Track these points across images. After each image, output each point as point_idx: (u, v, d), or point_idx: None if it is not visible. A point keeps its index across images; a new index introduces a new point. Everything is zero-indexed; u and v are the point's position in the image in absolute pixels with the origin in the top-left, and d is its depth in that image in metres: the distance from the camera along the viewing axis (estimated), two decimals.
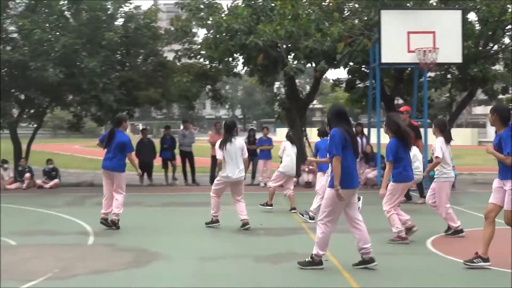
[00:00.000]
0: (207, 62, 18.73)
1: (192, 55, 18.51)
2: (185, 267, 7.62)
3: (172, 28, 18.60)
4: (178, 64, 18.86)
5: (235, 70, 19.35)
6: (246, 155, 10.20)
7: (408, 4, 17.58)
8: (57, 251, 8.55)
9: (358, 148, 7.67)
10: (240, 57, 18.44)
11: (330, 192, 7.13)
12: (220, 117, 78.30)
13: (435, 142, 9.37)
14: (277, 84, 22.19)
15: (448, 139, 9.45)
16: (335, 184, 6.96)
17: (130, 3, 18.14)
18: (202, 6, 18.09)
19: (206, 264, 7.75)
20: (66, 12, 17.86)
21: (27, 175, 17.51)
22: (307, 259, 7.40)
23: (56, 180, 17.52)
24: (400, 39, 15.65)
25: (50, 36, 16.91)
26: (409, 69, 17.85)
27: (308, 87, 39.01)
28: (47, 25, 17.44)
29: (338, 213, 7.26)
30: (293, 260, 7.62)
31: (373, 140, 17.20)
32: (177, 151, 18.47)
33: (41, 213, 12.49)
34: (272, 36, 16.06)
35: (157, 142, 18.97)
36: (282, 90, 21.40)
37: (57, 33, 16.83)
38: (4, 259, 8.00)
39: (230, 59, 18.20)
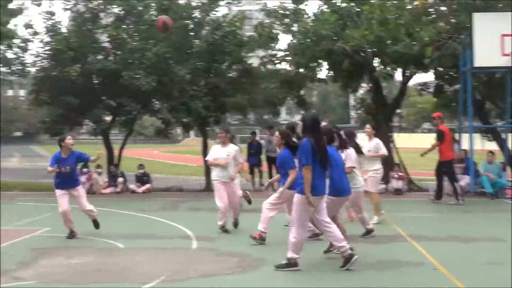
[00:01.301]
0: (292, 68, 18.85)
1: (277, 61, 18.68)
2: (293, 272, 7.69)
3: (256, 35, 18.83)
4: (263, 70, 19.06)
5: (318, 76, 19.41)
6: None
7: (500, 5, 17.10)
8: (166, 254, 8.82)
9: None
10: (325, 63, 18.48)
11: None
12: (295, 122, 78.02)
13: None
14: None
15: None
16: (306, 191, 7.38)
17: (217, 11, 18.52)
18: (287, 13, 18.24)
19: (313, 270, 7.80)
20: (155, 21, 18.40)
21: (120, 179, 18.11)
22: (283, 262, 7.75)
23: (148, 185, 18.05)
24: (493, 42, 15.24)
25: (142, 45, 17.43)
26: (500, 73, 17.36)
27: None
28: (138, 34, 18.05)
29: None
30: (398, 268, 7.62)
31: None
32: (263, 156, 18.74)
33: (140, 217, 12.90)
34: (360, 41, 16.00)
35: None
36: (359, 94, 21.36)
37: (149, 42, 17.32)
38: (116, 261, 8.36)
39: (315, 64, 18.29)
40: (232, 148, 10.67)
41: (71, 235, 10.21)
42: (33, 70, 19.06)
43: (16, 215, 13.21)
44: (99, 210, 13.97)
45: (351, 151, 9.40)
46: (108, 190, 17.87)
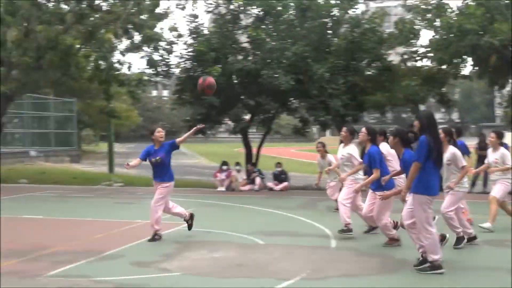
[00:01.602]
0: (434, 65, 18.18)
1: (419, 58, 18.11)
2: (430, 277, 7.37)
3: (396, 31, 18.38)
4: (403, 67, 18.56)
5: (462, 72, 18.56)
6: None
7: None
8: (305, 252, 8.79)
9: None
10: (469, 59, 17.65)
11: None
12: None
13: None
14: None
15: None
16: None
17: (357, 8, 18.31)
18: (429, 7, 17.61)
19: (459, 275, 7.43)
20: (294, 21, 18.54)
21: (258, 177, 18.42)
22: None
23: (285, 183, 18.21)
24: None
25: (280, 44, 17.61)
26: None
27: None
28: (277, 34, 18.27)
29: None
30: None
31: None
32: None
33: (278, 215, 13.02)
34: (510, 35, 15.09)
35: None
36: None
37: (288, 42, 17.46)
38: (255, 257, 8.46)
39: (459, 60, 17.52)
40: (349, 149, 10.10)
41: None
42: (177, 71, 19.96)
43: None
44: (238, 207, 14.51)
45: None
46: (246, 188, 18.24)
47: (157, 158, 9.60)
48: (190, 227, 10.12)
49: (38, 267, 7.86)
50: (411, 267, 7.63)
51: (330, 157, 13.24)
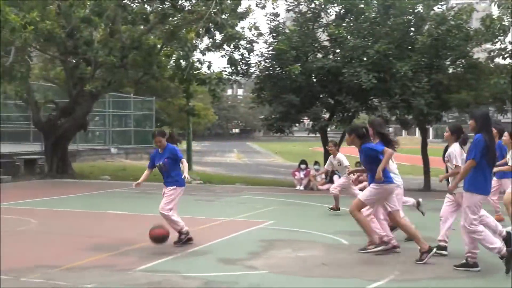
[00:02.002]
0: None
1: (507, 55, 17.40)
2: None
3: (482, 28, 17.73)
4: (491, 65, 17.89)
5: None
6: None
7: None
8: (392, 254, 8.59)
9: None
10: None
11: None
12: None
13: None
14: None
15: None
16: None
17: (442, 5, 17.79)
18: None
19: None
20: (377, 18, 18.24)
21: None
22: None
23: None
24: None
25: (362, 42, 17.36)
26: None
27: None
28: (359, 32, 18.02)
29: None
30: None
31: None
32: None
33: None
34: None
35: None
36: None
37: (370, 39, 17.20)
38: (341, 257, 8.35)
39: None
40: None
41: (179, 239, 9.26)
42: (256, 70, 20.04)
43: (243, 207, 13.93)
44: (318, 206, 14.38)
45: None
46: (325, 187, 18.07)
47: (161, 163, 9.25)
48: (180, 241, 9.14)
49: (128, 261, 8.03)
50: (503, 270, 7.32)
51: (340, 156, 12.85)
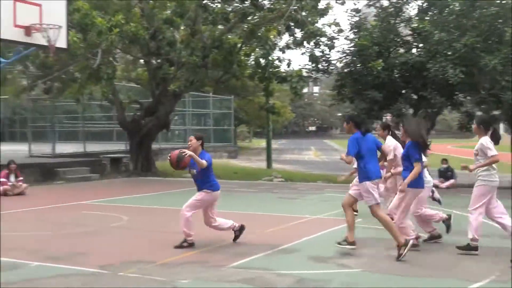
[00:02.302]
0: None
1: None
2: None
3: None
4: None
5: None
6: None
7: None
8: (489, 253, 8.33)
9: None
10: None
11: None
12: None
13: None
14: None
15: None
16: None
17: None
18: None
19: None
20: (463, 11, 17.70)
21: None
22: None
23: (452, 180, 17.46)
24: None
25: (448, 36, 16.88)
26: None
27: None
28: (443, 25, 17.53)
29: None
30: None
31: None
32: None
33: (449, 213, 12.45)
34: None
35: None
36: None
37: (455, 33, 16.70)
38: (436, 257, 8.13)
39: None
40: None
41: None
42: (336, 66, 19.86)
43: (327, 205, 13.83)
44: None
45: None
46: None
47: (193, 170, 8.93)
48: (236, 238, 9.18)
49: (219, 258, 8.12)
50: None
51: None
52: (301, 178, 21.82)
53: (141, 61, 24.06)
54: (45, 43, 10.98)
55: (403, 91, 19.24)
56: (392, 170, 9.50)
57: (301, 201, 15.12)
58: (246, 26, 19.74)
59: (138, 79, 26.57)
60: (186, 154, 8.61)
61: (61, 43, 11.36)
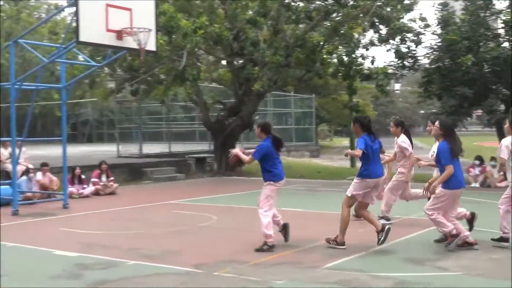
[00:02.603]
0: None
1: None
2: None
3: None
4: None
5: None
6: None
7: None
8: None
9: None
10: None
11: None
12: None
13: None
14: None
15: None
16: None
17: None
18: None
19: None
20: None
21: None
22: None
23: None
24: None
25: None
26: None
27: None
28: None
29: None
30: None
31: None
32: None
33: None
34: None
35: None
36: None
37: None
38: None
39: None
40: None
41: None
42: (423, 62, 19.35)
43: (417, 205, 13.44)
44: (494, 205, 13.48)
45: None
46: (503, 184, 16.95)
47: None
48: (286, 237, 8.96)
49: (313, 259, 8.03)
50: None
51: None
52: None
53: (223, 61, 24.29)
54: (136, 47, 11.21)
55: (494, 87, 18.49)
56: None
57: None
58: (329, 24, 19.51)
59: (220, 79, 26.84)
60: (231, 154, 8.90)
61: (150, 46, 11.58)
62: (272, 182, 8.72)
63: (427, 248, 8.63)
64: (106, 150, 28.29)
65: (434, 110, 36.42)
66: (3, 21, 44.85)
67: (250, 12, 19.25)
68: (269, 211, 8.68)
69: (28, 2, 50.06)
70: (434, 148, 9.21)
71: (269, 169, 8.72)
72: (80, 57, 16.66)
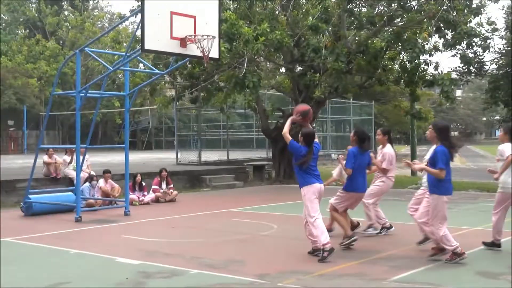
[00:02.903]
0: None
1: None
2: None
3: None
4: None
5: None
6: None
7: None
8: None
9: None
10: None
11: None
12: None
13: None
14: None
15: None
16: None
17: None
18: None
19: None
20: None
21: None
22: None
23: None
24: None
25: None
26: None
27: None
28: None
29: None
30: None
31: None
32: None
33: None
34: None
35: None
36: None
37: None
38: None
39: None
40: None
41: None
42: (490, 68, 18.71)
43: (486, 216, 12.92)
44: None
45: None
46: None
47: None
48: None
49: (379, 270, 7.77)
50: None
51: None
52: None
53: (282, 68, 24.16)
54: (199, 54, 11.18)
55: None
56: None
57: (456, 212, 14.25)
58: (392, 29, 19.10)
59: (279, 86, 26.72)
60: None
61: (214, 53, 11.53)
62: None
63: (500, 261, 8.23)
64: (165, 158, 28.60)
65: (497, 117, 35.37)
66: (68, 30, 46.25)
67: (311, 18, 19.03)
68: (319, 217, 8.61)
69: (92, 12, 51.43)
70: (428, 154, 9.21)
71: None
72: (141, 65, 16.86)
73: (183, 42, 11.13)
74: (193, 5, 11.36)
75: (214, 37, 11.20)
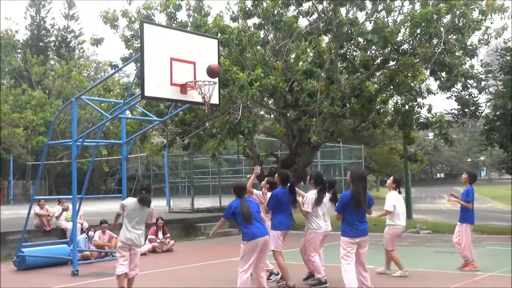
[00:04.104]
0: None
1: None
2: None
3: None
4: None
5: None
6: None
7: None
8: None
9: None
10: None
11: None
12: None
13: None
14: None
15: None
16: None
17: None
18: None
19: None
20: None
21: None
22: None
23: None
24: None
25: None
26: None
27: None
28: None
29: None
30: None
31: None
32: None
33: None
34: None
35: None
36: None
37: None
38: None
39: None
40: None
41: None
42: (485, 110, 18.69)
43: (497, 260, 12.66)
44: None
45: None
46: None
47: None
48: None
49: None
50: None
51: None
52: (448, 229, 20.43)
53: (271, 113, 24.04)
54: (200, 100, 10.97)
55: None
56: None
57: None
58: (384, 72, 19.10)
59: (269, 131, 26.55)
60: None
61: (214, 99, 11.32)
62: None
63: None
64: (155, 205, 27.98)
65: (482, 158, 34.99)
66: (55, 79, 46.02)
67: (302, 63, 19.00)
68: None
69: (78, 61, 51.37)
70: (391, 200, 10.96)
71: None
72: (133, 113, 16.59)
73: (183, 88, 10.92)
74: (192, 51, 11.23)
75: (215, 83, 11.01)
